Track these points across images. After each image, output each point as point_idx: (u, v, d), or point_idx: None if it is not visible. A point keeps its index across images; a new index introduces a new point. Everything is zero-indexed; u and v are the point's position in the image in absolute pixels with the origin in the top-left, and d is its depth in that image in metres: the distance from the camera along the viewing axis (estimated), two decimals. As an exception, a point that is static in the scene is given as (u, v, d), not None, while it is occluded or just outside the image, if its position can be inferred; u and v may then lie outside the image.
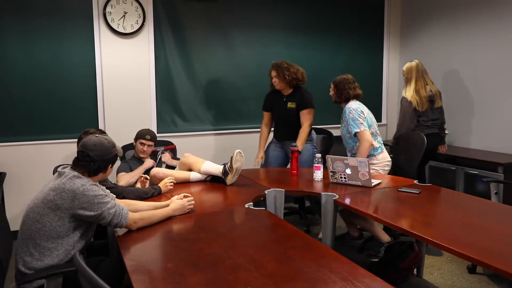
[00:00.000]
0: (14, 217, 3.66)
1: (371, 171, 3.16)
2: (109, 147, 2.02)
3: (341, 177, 2.93)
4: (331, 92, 3.55)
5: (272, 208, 2.79)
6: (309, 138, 3.74)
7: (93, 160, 1.96)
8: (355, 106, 3.40)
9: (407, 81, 3.96)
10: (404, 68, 4.00)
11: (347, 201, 2.57)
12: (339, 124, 5.25)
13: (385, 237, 3.24)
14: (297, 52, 4.90)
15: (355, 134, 3.36)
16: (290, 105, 3.72)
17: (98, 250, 2.31)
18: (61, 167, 2.01)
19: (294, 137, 3.65)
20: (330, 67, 5.12)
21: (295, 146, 3.31)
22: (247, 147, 4.72)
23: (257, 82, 4.72)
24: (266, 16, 4.72)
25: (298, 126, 3.69)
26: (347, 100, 3.48)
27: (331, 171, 2.96)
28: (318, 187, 2.91)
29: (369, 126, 3.38)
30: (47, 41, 3.84)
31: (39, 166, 3.88)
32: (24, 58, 3.79)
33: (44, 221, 1.86)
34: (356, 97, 3.49)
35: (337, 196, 2.64)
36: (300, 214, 4.32)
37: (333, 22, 5.08)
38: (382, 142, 3.50)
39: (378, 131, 3.48)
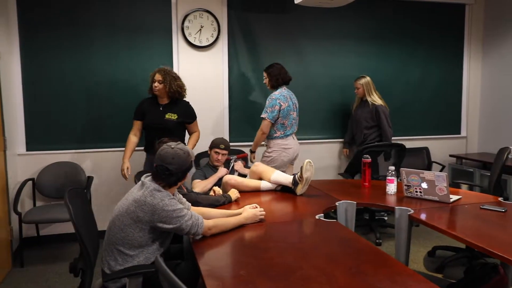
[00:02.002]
0: (101, 217, 3.94)
1: (269, 154, 3.79)
2: (185, 158, 2.07)
3: (416, 191, 2.81)
4: (265, 80, 3.87)
5: (343, 220, 2.74)
6: None
7: (172, 174, 2.03)
8: (276, 96, 3.74)
9: (369, 92, 4.34)
10: (362, 82, 4.35)
11: (423, 216, 2.46)
12: (409, 136, 5.11)
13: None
14: (368, 62, 4.82)
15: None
16: (170, 116, 3.50)
17: (174, 254, 2.42)
18: (144, 176, 2.12)
19: None
20: (403, 77, 4.97)
21: (367, 157, 3.23)
22: (317, 158, 4.72)
23: (327, 93, 4.71)
24: (337, 25, 4.69)
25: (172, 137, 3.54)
26: (278, 86, 3.81)
27: (405, 185, 2.86)
28: (392, 201, 2.82)
29: (283, 117, 3.73)
30: (130, 54, 4.13)
31: (121, 171, 4.16)
32: (110, 70, 4.10)
33: (127, 231, 1.99)
34: (286, 82, 3.85)
35: (412, 211, 2.54)
36: (371, 226, 4.20)
37: (407, 31, 4.92)
38: (290, 132, 3.82)
39: (292, 123, 3.82)
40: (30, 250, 3.82)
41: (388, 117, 4.28)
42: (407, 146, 4.15)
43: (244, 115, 4.50)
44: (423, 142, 5.08)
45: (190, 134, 3.70)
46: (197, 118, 4.11)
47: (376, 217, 4.34)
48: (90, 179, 3.99)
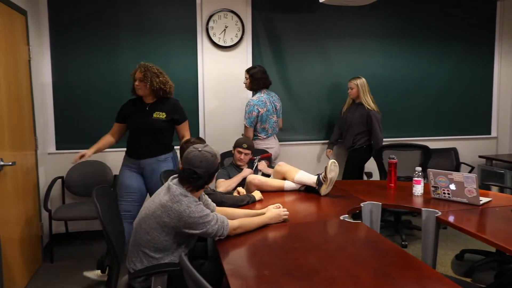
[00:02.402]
0: (125, 215, 4.03)
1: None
2: (213, 160, 2.05)
3: (444, 193, 2.75)
4: (246, 81, 3.92)
5: (367, 221, 2.71)
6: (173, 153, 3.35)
7: (200, 177, 2.00)
8: (254, 102, 3.83)
9: (363, 93, 4.20)
10: (357, 82, 4.21)
11: (451, 219, 2.40)
12: (437, 136, 4.98)
13: None
14: (393, 62, 4.74)
15: None
16: (158, 115, 3.21)
17: (198, 253, 2.44)
18: (171, 178, 2.11)
19: (155, 153, 3.25)
20: (431, 76, 4.86)
21: (393, 158, 3.17)
22: (341, 159, 4.67)
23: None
24: (362, 25, 4.63)
25: (161, 139, 3.27)
26: (258, 90, 3.90)
27: (432, 186, 2.79)
28: (418, 202, 2.76)
29: (262, 122, 3.86)
30: (156, 55, 4.17)
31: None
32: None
33: (153, 234, 2.00)
34: (267, 86, 3.94)
35: (440, 213, 2.48)
36: (396, 228, 4.13)
37: (434, 29, 4.81)
38: (271, 134, 3.97)
39: (273, 126, 3.96)
40: (59, 246, 3.93)
41: (380, 122, 4.16)
42: (434, 147, 4.07)
43: (268, 115, 4.49)
44: (451, 143, 4.96)
45: (180, 139, 3.36)
46: (221, 118, 4.13)
47: (402, 219, 4.27)
48: (116, 177, 4.06)
